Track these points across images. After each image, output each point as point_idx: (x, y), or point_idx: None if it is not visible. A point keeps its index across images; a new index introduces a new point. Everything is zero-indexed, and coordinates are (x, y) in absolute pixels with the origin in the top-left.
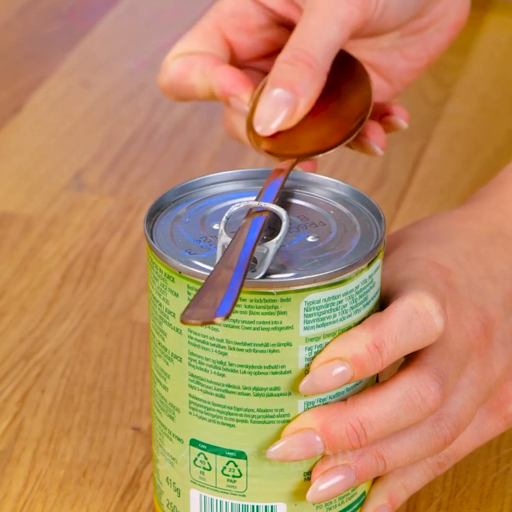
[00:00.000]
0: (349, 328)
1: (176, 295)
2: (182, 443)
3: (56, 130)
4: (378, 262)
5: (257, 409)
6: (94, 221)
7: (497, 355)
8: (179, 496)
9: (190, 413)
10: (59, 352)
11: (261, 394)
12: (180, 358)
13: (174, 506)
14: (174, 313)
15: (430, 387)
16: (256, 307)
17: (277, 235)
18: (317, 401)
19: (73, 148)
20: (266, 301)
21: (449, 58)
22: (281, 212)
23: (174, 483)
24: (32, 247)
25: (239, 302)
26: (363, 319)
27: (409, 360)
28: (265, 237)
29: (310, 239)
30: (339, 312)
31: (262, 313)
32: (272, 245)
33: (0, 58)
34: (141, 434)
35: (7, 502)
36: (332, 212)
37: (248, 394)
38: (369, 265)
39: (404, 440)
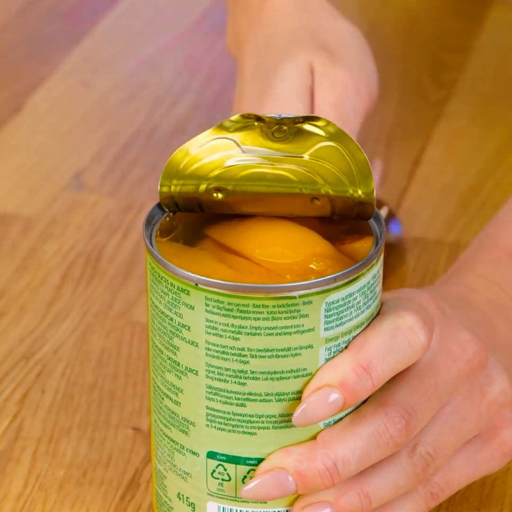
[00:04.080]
0: (362, 324)
1: (192, 308)
2: (198, 456)
3: (56, 130)
4: (382, 256)
5: (279, 414)
6: (94, 221)
7: (490, 378)
8: (194, 511)
9: (207, 425)
10: (59, 352)
11: (283, 399)
12: (196, 371)
13: None
14: (189, 327)
15: (397, 424)
16: (279, 312)
17: None
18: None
19: (73, 148)
20: (288, 305)
21: (449, 57)
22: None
23: (187, 498)
24: (32, 247)
25: (261, 309)
26: (372, 314)
27: (381, 395)
28: None
29: None
30: (354, 309)
31: (284, 318)
32: None
33: (0, 58)
34: (141, 434)
35: (7, 502)
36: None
37: (270, 400)
38: (377, 260)
39: (385, 473)
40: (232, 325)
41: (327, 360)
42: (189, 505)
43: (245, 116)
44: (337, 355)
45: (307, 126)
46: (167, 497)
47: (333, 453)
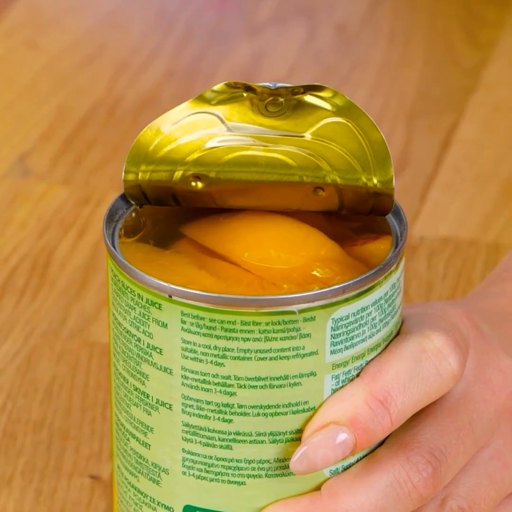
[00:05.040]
0: (378, 346)
1: (165, 326)
2: None
3: None
4: (404, 261)
5: (274, 459)
6: (42, 216)
7: None
8: None
9: (184, 473)
10: None
11: (279, 440)
12: (169, 404)
13: None
14: (161, 349)
15: (422, 472)
16: (274, 331)
17: None
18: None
19: (16, 125)
20: (286, 322)
21: (487, 12)
22: None
23: None
24: None
25: (251, 327)
26: (391, 333)
27: (401, 435)
28: None
29: None
30: (368, 327)
31: (280, 339)
32: None
33: None
34: (100, 483)
35: None
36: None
37: (262, 442)
38: (397, 265)
39: None
40: (215, 347)
41: (334, 391)
42: None
43: (231, 85)
44: (346, 384)
45: (308, 98)
46: None
47: (341, 507)
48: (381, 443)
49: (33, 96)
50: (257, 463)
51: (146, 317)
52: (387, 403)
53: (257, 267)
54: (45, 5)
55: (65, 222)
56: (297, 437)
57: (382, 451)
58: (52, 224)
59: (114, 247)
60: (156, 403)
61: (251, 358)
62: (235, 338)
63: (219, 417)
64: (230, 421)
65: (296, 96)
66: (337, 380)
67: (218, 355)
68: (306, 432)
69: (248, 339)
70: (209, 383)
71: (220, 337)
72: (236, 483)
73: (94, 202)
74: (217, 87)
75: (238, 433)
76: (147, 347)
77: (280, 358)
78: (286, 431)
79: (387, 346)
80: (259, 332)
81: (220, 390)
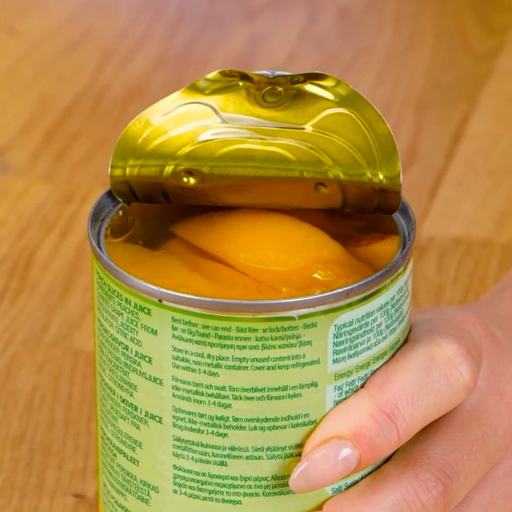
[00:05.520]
0: (384, 354)
1: (154, 332)
2: None
3: None
4: (412, 263)
5: (272, 476)
6: (23, 215)
7: None
8: None
9: (175, 491)
10: None
11: (278, 456)
12: (160, 417)
13: None
14: (150, 358)
15: (431, 489)
16: (272, 338)
17: None
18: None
19: None
20: (285, 329)
21: None
22: None
23: None
24: None
25: (247, 334)
26: (398, 341)
27: (409, 450)
28: None
29: None
30: (373, 334)
31: (279, 347)
32: None
33: None
34: (85, 503)
35: None
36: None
37: (259, 458)
38: (405, 267)
39: None
40: (209, 356)
41: (337, 402)
42: None
43: (226, 73)
44: (350, 396)
45: (309, 87)
46: None
47: None
48: (388, 459)
49: (12, 85)
50: (253, 481)
51: (134, 323)
52: (394, 416)
53: (253, 269)
54: None
55: (47, 221)
56: (297, 453)
57: (389, 468)
58: (33, 223)
59: (99, 247)
60: (145, 416)
61: (247, 367)
62: (230, 346)
63: (213, 431)
64: (225, 435)
65: (296, 85)
66: (340, 391)
67: (212, 364)
68: (307, 447)
69: (244, 347)
70: (202, 394)
71: (214, 345)
72: (231, 502)
73: (78, 199)
74: (211, 75)
75: (233, 448)
76: (135, 356)
77: (278, 368)
78: (285, 446)
79: (394, 354)
80: (256, 339)
81: (214, 402)
